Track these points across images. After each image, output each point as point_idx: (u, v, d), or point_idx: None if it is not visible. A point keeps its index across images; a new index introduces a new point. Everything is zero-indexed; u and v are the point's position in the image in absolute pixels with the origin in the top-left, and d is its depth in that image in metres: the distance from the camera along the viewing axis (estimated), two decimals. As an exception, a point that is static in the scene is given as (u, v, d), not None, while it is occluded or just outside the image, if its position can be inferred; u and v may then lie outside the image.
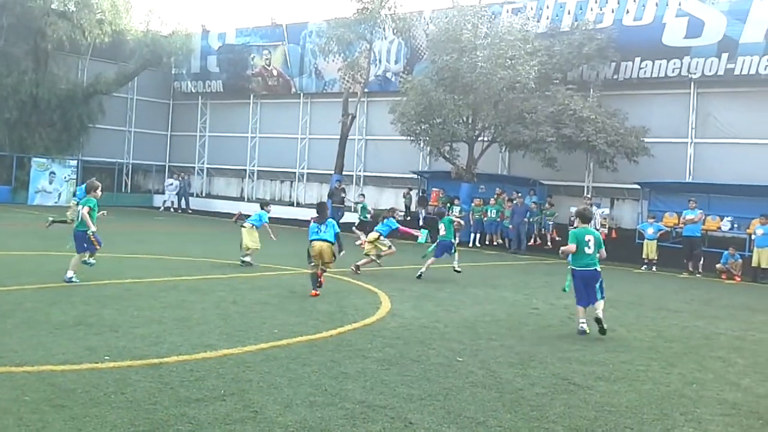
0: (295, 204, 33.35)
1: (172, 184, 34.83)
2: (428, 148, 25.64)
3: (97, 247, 10.96)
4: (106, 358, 6.37)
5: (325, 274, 11.05)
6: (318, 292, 10.65)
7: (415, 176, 29.11)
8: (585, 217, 9.48)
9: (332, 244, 10.89)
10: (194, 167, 37.50)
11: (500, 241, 23.83)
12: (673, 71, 22.74)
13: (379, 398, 5.62)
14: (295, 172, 33.83)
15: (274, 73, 33.48)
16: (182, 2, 61.77)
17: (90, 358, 6.31)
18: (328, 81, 31.64)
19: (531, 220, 23.05)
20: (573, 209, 23.14)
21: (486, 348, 7.77)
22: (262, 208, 15.10)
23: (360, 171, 31.82)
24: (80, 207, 10.93)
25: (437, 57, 23.67)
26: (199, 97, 37.23)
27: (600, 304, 8.84)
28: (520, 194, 23.37)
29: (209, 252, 16.43)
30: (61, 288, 10.04)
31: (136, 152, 37.71)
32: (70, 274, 10.54)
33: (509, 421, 5.27)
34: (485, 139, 24.70)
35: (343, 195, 27.11)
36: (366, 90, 29.68)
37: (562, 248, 9.34)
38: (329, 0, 52.09)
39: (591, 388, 6.37)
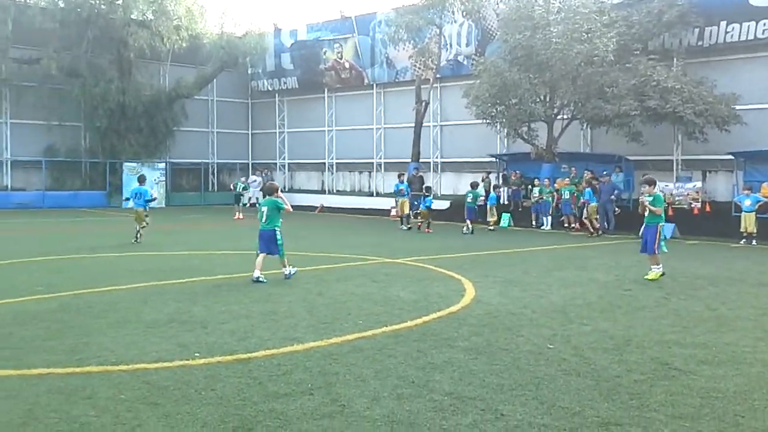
0: (374, 194, 33.45)
1: (255, 181, 35.62)
2: (505, 130, 25.05)
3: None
4: (197, 354, 6.49)
5: (407, 261, 12.51)
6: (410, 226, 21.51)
7: (494, 159, 28.61)
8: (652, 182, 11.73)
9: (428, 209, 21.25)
10: (276, 163, 38.26)
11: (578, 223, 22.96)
12: (763, 33, 21.32)
13: (468, 389, 5.47)
14: (372, 163, 33.93)
15: (346, 65, 33.63)
16: (253, 2, 62.90)
17: (182, 355, 6.44)
18: (400, 69, 31.51)
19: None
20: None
21: (578, 333, 7.47)
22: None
23: (437, 157, 31.58)
24: (265, 208, 11.27)
25: (509, 36, 23.08)
26: (276, 95, 37.89)
27: None
28: (605, 172, 22.52)
29: (294, 245, 16.53)
30: (153, 287, 10.37)
31: (220, 152, 38.87)
32: (257, 274, 10.76)
33: (607, 411, 5.01)
34: (565, 117, 23.96)
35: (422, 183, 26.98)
36: (438, 75, 29.39)
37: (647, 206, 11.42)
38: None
39: (694, 372, 6.00)
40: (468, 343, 6.95)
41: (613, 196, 21.79)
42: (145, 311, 8.47)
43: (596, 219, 20.57)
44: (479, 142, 28.74)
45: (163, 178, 34.46)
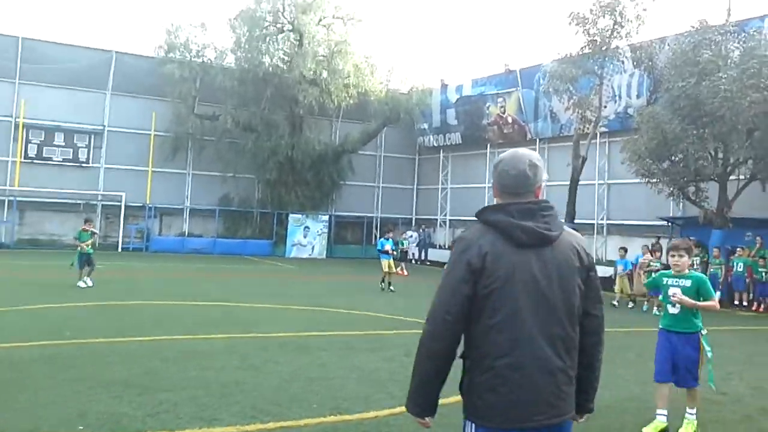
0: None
1: (411, 236, 35.14)
2: (669, 190, 21.87)
3: None
4: (81, 428, 5.63)
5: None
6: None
7: (665, 223, 25.23)
8: None
9: None
10: (437, 219, 37.49)
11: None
12: None
13: None
14: (531, 223, 31.71)
15: (509, 120, 32.18)
16: (421, 59, 63.88)
17: (67, 427, 5.62)
18: (564, 123, 29.39)
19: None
20: None
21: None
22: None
23: (602, 219, 28.68)
24: None
25: (672, 84, 20.31)
26: (441, 150, 37.36)
27: None
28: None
29: (405, 308, 14.86)
30: (172, 341, 9.80)
31: (384, 206, 39.02)
32: None
33: None
34: (741, 176, 20.40)
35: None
36: (605, 130, 26.89)
37: None
38: (565, 38, 49.28)
39: None
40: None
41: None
42: (115, 369, 7.84)
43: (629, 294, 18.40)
44: (651, 203, 25.53)
45: (326, 230, 35.13)
